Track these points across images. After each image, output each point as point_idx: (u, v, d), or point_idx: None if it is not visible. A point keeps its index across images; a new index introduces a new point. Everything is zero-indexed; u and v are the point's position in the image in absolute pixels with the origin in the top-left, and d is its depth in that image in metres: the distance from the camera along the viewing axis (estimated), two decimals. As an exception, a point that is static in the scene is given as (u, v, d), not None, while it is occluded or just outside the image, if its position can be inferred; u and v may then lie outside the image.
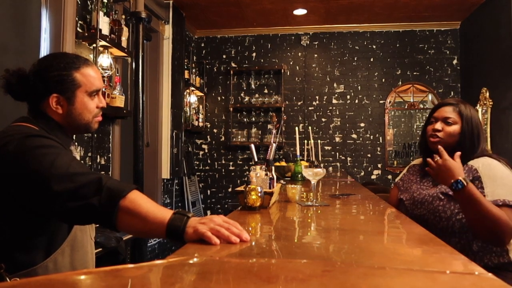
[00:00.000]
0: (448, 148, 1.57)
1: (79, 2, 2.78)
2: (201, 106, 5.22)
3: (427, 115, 1.75)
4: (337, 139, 5.13)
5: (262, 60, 5.29)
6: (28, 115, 1.21)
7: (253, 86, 5.25)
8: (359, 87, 5.14)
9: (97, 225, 1.40)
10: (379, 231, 1.20)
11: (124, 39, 3.04)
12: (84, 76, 1.21)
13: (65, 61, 1.20)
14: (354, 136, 5.11)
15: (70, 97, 1.20)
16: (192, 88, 4.87)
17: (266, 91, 5.26)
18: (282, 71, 5.17)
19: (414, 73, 5.05)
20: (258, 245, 0.93)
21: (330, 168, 4.83)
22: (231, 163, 5.29)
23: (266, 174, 1.53)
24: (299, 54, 5.24)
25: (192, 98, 4.94)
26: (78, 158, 1.24)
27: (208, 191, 5.31)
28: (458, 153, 1.47)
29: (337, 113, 5.15)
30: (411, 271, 0.72)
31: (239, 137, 5.18)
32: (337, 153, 5.12)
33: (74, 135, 2.38)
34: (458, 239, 1.50)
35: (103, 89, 2.79)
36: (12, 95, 1.20)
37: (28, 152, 1.04)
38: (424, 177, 1.72)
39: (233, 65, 5.32)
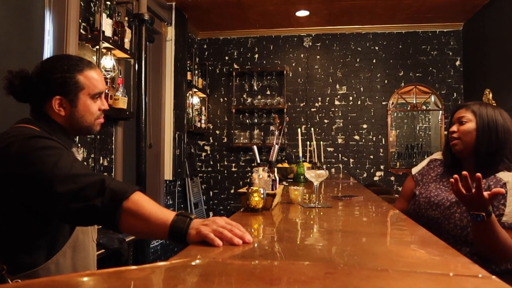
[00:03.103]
0: (467, 148, 1.54)
1: (82, 4, 2.79)
2: (203, 108, 5.23)
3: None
4: (340, 141, 5.13)
5: (264, 62, 5.29)
6: (30, 117, 1.21)
7: (255, 87, 5.26)
8: (362, 89, 5.13)
9: (100, 226, 1.40)
10: (382, 233, 1.19)
11: (127, 41, 3.05)
12: (87, 78, 1.21)
13: (68, 63, 1.20)
14: (356, 137, 5.11)
15: (73, 100, 1.20)
16: (195, 90, 4.88)
17: (268, 92, 5.27)
18: (285, 72, 5.17)
19: (417, 75, 5.04)
20: (260, 247, 0.93)
21: (333, 170, 4.82)
22: (233, 165, 5.29)
23: (269, 176, 1.53)
24: (302, 55, 5.24)
25: (194, 99, 4.95)
26: (80, 159, 1.24)
27: (211, 193, 5.32)
28: (498, 190, 1.23)
29: (340, 114, 5.15)
30: (414, 274, 0.71)
31: (242, 138, 5.18)
32: (340, 155, 5.11)
33: (76, 137, 2.38)
34: (470, 249, 1.44)
35: (106, 91, 2.80)
36: (14, 97, 1.20)
37: (31, 153, 1.04)
38: (444, 175, 1.66)
39: (235, 66, 5.32)
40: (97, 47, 2.77)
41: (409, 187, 1.75)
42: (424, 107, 5.06)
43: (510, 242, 1.31)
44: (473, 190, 1.24)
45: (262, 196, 1.38)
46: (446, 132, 1.71)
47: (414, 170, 1.79)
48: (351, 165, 5.09)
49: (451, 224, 1.49)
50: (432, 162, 1.75)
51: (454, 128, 1.58)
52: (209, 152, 5.35)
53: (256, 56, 5.31)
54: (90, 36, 2.77)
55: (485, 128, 1.51)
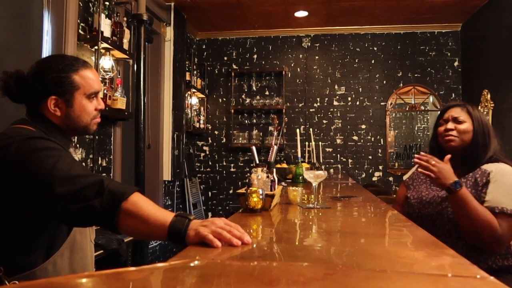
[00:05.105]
0: (462, 147, 1.59)
1: (81, 5, 2.78)
2: (202, 108, 5.23)
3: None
4: (338, 141, 5.13)
5: (263, 62, 5.30)
6: (26, 117, 1.20)
7: (254, 88, 5.25)
8: (360, 89, 5.14)
9: (98, 227, 1.40)
10: (380, 234, 1.20)
11: (125, 41, 3.05)
12: (83, 78, 1.21)
13: (63, 63, 1.19)
14: (355, 138, 5.11)
15: (68, 99, 1.19)
16: (193, 90, 4.88)
17: (267, 93, 5.27)
18: (283, 73, 5.17)
19: (415, 75, 5.05)
20: (259, 248, 0.93)
21: (331, 170, 4.83)
22: (232, 165, 5.29)
23: (268, 176, 1.53)
24: (300, 56, 5.25)
25: (193, 100, 4.94)
26: (77, 160, 1.23)
27: (209, 193, 5.31)
28: (448, 156, 1.51)
29: (338, 115, 5.15)
30: (412, 274, 0.72)
31: (240, 139, 5.18)
32: (338, 155, 5.12)
33: (74, 137, 2.37)
34: (465, 242, 1.49)
35: (105, 91, 2.79)
36: (10, 97, 1.19)
37: (30, 154, 1.04)
38: None
39: (234, 67, 5.32)
40: (96, 47, 2.77)
41: (402, 193, 1.81)
42: (422, 108, 5.07)
43: (489, 214, 1.40)
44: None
45: (261, 196, 1.38)
46: (433, 131, 1.74)
47: (405, 177, 1.88)
48: (350, 166, 5.09)
49: (444, 219, 1.55)
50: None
51: (451, 125, 1.61)
52: (208, 152, 5.34)
53: (255, 56, 5.31)
54: (88, 36, 2.77)
55: (480, 130, 1.58)
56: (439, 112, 1.76)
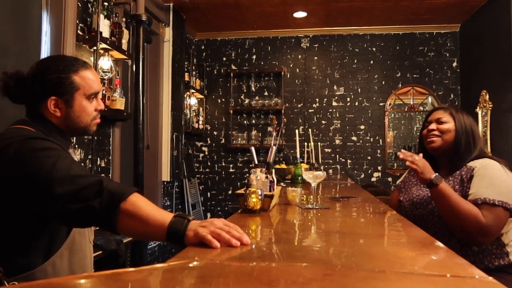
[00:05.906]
0: (445, 147, 1.63)
1: (80, 5, 2.78)
2: (201, 109, 5.23)
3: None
4: (337, 142, 5.13)
5: (262, 63, 5.30)
6: (26, 118, 1.20)
7: (253, 88, 5.25)
8: (359, 90, 5.14)
9: (97, 228, 1.40)
10: (379, 234, 1.20)
11: (124, 41, 3.04)
12: (83, 79, 1.21)
13: (63, 63, 1.20)
14: (354, 138, 5.11)
15: (68, 100, 1.19)
16: (192, 91, 4.88)
17: (266, 93, 5.27)
18: (282, 73, 5.17)
19: (414, 76, 5.05)
20: (258, 249, 0.93)
21: (330, 171, 4.83)
22: (231, 166, 5.29)
23: (267, 177, 1.53)
24: (299, 56, 5.25)
25: (192, 100, 4.94)
26: (77, 160, 1.23)
27: (208, 194, 5.31)
28: (420, 154, 1.57)
29: (337, 115, 5.16)
30: (411, 275, 0.72)
31: (239, 139, 5.18)
32: (337, 156, 5.12)
33: (73, 138, 2.38)
34: (458, 239, 1.51)
35: (103, 92, 2.79)
36: (9, 98, 1.19)
37: (29, 155, 1.04)
38: None
39: (233, 67, 5.32)
40: (95, 48, 2.76)
41: (396, 197, 1.85)
42: (421, 108, 5.08)
43: (472, 206, 1.43)
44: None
45: (260, 197, 1.38)
46: (419, 134, 1.79)
47: (398, 181, 1.92)
48: (349, 166, 5.09)
49: (435, 217, 1.58)
50: (412, 170, 1.84)
51: (433, 126, 1.66)
52: (206, 153, 5.34)
53: (254, 57, 5.31)
54: (87, 37, 2.77)
55: (463, 130, 1.61)
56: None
